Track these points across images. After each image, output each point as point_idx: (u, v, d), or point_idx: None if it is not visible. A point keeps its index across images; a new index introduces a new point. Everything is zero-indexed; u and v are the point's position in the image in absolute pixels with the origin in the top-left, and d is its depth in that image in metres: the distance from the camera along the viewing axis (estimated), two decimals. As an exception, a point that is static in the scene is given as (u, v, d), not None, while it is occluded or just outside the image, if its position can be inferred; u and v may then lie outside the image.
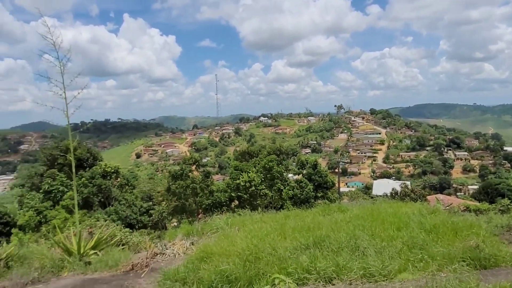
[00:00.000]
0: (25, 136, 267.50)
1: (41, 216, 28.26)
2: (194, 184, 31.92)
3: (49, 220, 27.02)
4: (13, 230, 27.35)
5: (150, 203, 34.46)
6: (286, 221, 7.99)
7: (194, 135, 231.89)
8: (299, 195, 32.60)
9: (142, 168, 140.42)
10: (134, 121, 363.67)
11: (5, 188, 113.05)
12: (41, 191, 29.75)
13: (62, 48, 7.93)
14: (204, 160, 69.96)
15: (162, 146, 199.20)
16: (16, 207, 32.70)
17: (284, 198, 31.97)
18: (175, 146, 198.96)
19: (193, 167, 35.56)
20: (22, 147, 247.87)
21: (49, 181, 29.90)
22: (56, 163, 31.98)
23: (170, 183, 32.51)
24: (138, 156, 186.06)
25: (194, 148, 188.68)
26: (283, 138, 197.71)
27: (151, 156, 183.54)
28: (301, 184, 33.56)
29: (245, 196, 31.47)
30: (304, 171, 36.20)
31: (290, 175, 39.29)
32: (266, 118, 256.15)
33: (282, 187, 32.34)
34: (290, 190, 32.49)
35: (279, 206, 30.46)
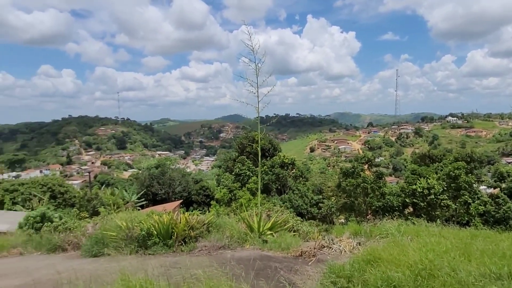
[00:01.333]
0: (224, 126, 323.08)
1: (232, 194, 33.74)
2: (365, 184, 31.04)
3: (237, 198, 31.98)
4: (212, 202, 33.76)
5: (320, 196, 35.66)
6: (472, 241, 6.86)
7: (368, 133, 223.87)
8: (493, 213, 26.94)
9: (315, 162, 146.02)
10: (310, 117, 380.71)
11: (208, 167, 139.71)
12: (233, 173, 35.46)
13: (257, 52, 8.89)
14: (377, 160, 66.62)
15: (335, 142, 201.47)
16: (214, 183, 40.26)
17: (472, 214, 27.06)
18: (348, 143, 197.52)
19: (365, 166, 34.55)
20: (221, 135, 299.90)
21: (239, 166, 35.28)
22: (245, 151, 37.39)
23: (341, 180, 32.69)
24: (312, 150, 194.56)
25: (368, 147, 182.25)
26: (476, 143, 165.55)
27: (324, 151, 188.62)
28: (497, 200, 27.62)
29: (422, 204, 28.37)
30: (503, 185, 29.61)
31: (482, 187, 32.94)
32: (455, 118, 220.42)
33: (469, 200, 27.48)
34: (481, 205, 27.25)
35: (464, 222, 26.10)
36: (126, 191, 35.70)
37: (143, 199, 34.42)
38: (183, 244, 8.26)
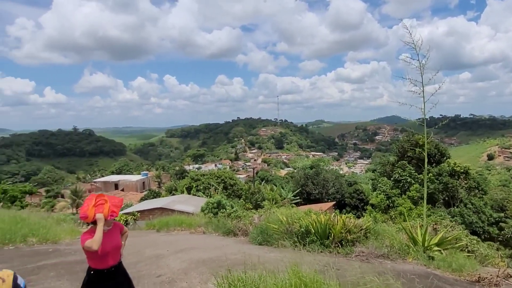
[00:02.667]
0: (380, 128, 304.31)
1: (390, 201, 31.67)
2: None
3: (396, 206, 29.79)
4: (367, 207, 32.51)
5: (502, 214, 29.54)
6: None
7: None
8: None
9: (494, 172, 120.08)
10: (489, 118, 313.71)
11: (362, 171, 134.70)
12: (391, 179, 33.15)
13: (421, 47, 8.01)
14: None
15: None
16: (369, 188, 38.64)
17: None
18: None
19: None
20: (377, 137, 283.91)
21: (399, 171, 32.72)
22: (405, 156, 34.31)
23: (536, 197, 26.13)
24: (490, 157, 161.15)
25: None
26: None
27: (507, 160, 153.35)
28: None
29: None
30: None
31: None
32: None
33: None
34: None
35: None
36: (283, 188, 38.25)
37: (298, 197, 36.09)
38: (340, 246, 8.31)
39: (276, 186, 38.18)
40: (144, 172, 77.55)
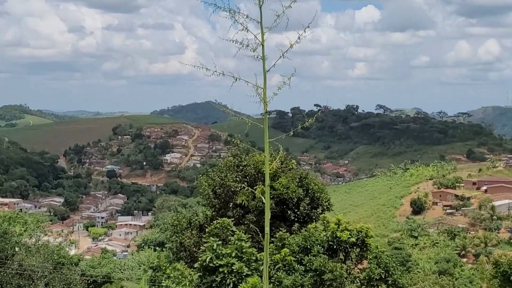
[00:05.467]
0: (178, 132, 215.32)
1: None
2: None
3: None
4: None
5: None
6: None
7: None
8: None
9: (425, 242, 69.26)
10: (418, 116, 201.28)
11: (128, 247, 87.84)
12: (197, 264, 12.81)
13: None
14: None
15: (486, 185, 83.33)
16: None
17: None
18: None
19: None
20: (166, 158, 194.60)
21: (212, 245, 13.04)
22: (230, 204, 15.07)
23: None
24: (418, 207, 53.51)
25: None
26: None
27: (451, 212, 70.72)
28: None
29: None
30: None
31: None
32: None
33: None
34: None
35: None
36: None
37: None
38: None
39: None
40: None
